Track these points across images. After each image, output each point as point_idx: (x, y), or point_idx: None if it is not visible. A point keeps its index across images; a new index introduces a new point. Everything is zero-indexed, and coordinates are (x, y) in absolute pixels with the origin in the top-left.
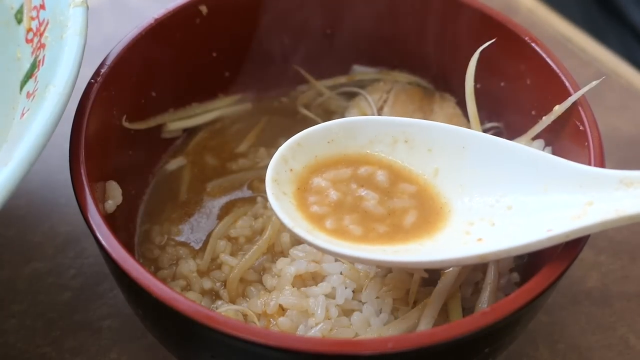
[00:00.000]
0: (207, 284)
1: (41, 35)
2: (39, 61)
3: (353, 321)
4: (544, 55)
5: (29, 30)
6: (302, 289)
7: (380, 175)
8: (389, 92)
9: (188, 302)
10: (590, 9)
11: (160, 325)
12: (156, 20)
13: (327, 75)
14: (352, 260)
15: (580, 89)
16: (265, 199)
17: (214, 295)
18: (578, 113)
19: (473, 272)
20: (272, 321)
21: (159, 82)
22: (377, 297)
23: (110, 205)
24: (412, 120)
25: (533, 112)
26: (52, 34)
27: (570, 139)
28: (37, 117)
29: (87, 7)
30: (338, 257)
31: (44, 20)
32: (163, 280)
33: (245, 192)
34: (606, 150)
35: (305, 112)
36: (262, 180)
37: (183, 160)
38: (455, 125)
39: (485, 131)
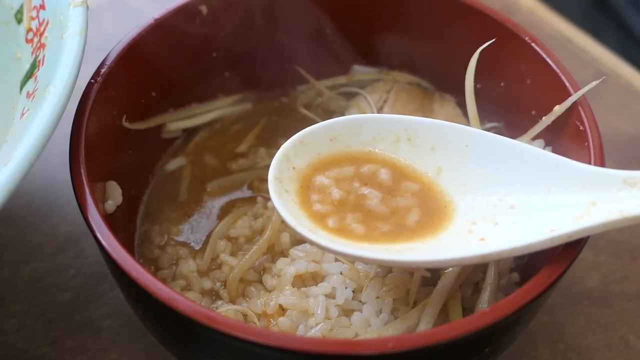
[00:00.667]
0: (207, 284)
1: (41, 35)
2: (39, 61)
3: (353, 321)
4: (544, 55)
5: (29, 30)
6: (302, 289)
7: (384, 174)
8: (389, 92)
9: (188, 302)
10: (590, 9)
11: (160, 325)
12: (156, 20)
13: (327, 75)
14: (355, 259)
15: (580, 89)
16: (266, 199)
17: (214, 295)
18: (578, 113)
19: (473, 272)
20: (272, 321)
21: (159, 82)
22: (377, 297)
23: (110, 205)
24: (415, 118)
25: (533, 112)
26: (52, 34)
27: (570, 139)
28: (37, 117)
29: (87, 7)
30: (340, 256)
31: (44, 20)
32: (163, 280)
33: (245, 192)
34: (606, 150)
35: (305, 112)
36: (262, 180)
37: (183, 160)
38: None
39: (485, 131)
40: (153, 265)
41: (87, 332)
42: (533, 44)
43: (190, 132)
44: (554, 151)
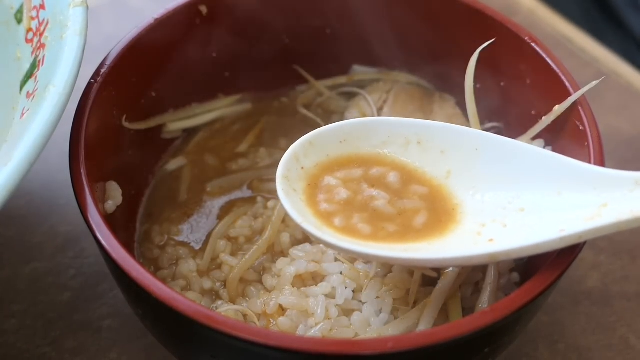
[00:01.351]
0: (207, 284)
1: (41, 35)
2: (39, 61)
3: (353, 321)
4: (544, 55)
5: (29, 30)
6: (302, 289)
7: (392, 176)
8: (388, 92)
9: (188, 302)
10: (590, 9)
11: (160, 325)
12: (156, 20)
13: (327, 75)
14: (361, 257)
15: (580, 89)
16: (266, 199)
17: (214, 295)
18: (578, 113)
19: (473, 272)
20: (272, 321)
21: (159, 82)
22: (377, 297)
23: (110, 205)
24: (424, 122)
25: (533, 112)
26: (52, 34)
27: (570, 139)
28: (37, 117)
29: (87, 7)
30: (346, 253)
31: (44, 20)
32: (163, 280)
33: (245, 192)
34: (606, 150)
35: (305, 112)
36: (262, 180)
37: (183, 160)
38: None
39: (485, 131)
40: (153, 265)
41: (87, 332)
42: (533, 44)
43: (190, 132)
44: (553, 151)
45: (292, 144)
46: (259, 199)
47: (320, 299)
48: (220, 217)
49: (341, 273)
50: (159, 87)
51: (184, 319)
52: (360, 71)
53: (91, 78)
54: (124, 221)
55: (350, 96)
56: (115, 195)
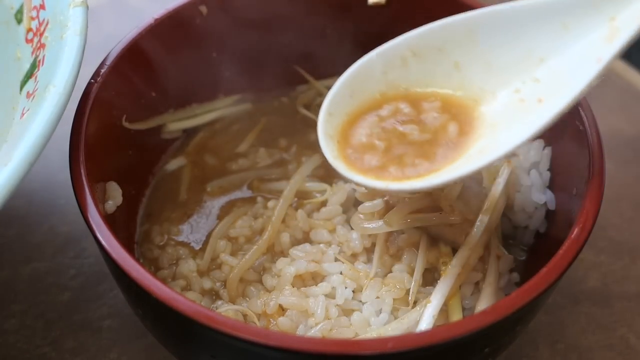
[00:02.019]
0: (207, 284)
1: (41, 35)
2: (39, 61)
3: (353, 321)
4: None
5: (29, 30)
6: (302, 289)
7: (405, 108)
8: None
9: (188, 302)
10: None
11: (160, 325)
12: (156, 20)
13: (327, 75)
14: (387, 192)
15: None
16: (265, 199)
17: (214, 295)
18: (578, 113)
19: (473, 272)
20: (272, 321)
21: (159, 82)
22: (377, 297)
23: (110, 205)
24: (410, 33)
25: None
26: (52, 34)
27: (570, 139)
28: (37, 117)
29: (87, 7)
30: (373, 188)
31: (44, 20)
32: (163, 280)
33: (245, 192)
34: (606, 150)
35: (305, 112)
36: (262, 180)
37: (183, 160)
38: None
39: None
40: (153, 265)
41: (87, 332)
42: None
43: (190, 132)
44: (554, 151)
45: (292, 143)
46: (259, 199)
47: (320, 299)
48: (220, 217)
49: (341, 273)
50: (159, 87)
51: (184, 319)
52: None
53: (91, 78)
54: (124, 221)
55: None
56: (115, 195)
